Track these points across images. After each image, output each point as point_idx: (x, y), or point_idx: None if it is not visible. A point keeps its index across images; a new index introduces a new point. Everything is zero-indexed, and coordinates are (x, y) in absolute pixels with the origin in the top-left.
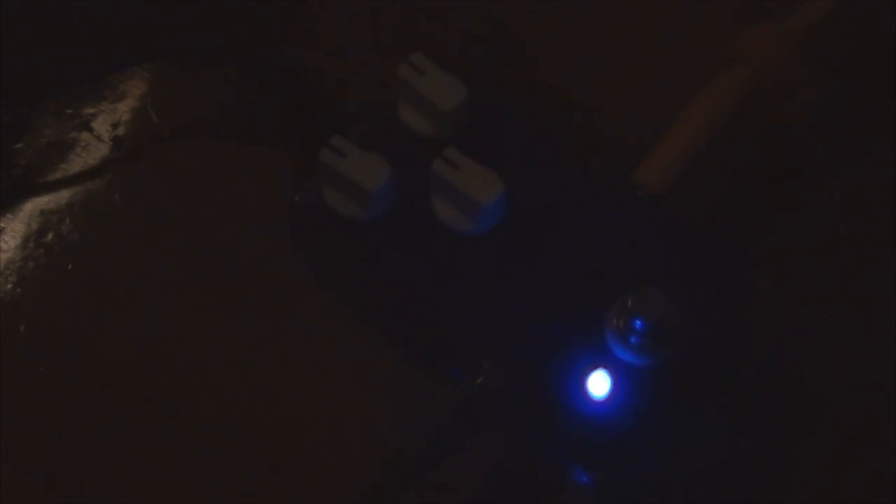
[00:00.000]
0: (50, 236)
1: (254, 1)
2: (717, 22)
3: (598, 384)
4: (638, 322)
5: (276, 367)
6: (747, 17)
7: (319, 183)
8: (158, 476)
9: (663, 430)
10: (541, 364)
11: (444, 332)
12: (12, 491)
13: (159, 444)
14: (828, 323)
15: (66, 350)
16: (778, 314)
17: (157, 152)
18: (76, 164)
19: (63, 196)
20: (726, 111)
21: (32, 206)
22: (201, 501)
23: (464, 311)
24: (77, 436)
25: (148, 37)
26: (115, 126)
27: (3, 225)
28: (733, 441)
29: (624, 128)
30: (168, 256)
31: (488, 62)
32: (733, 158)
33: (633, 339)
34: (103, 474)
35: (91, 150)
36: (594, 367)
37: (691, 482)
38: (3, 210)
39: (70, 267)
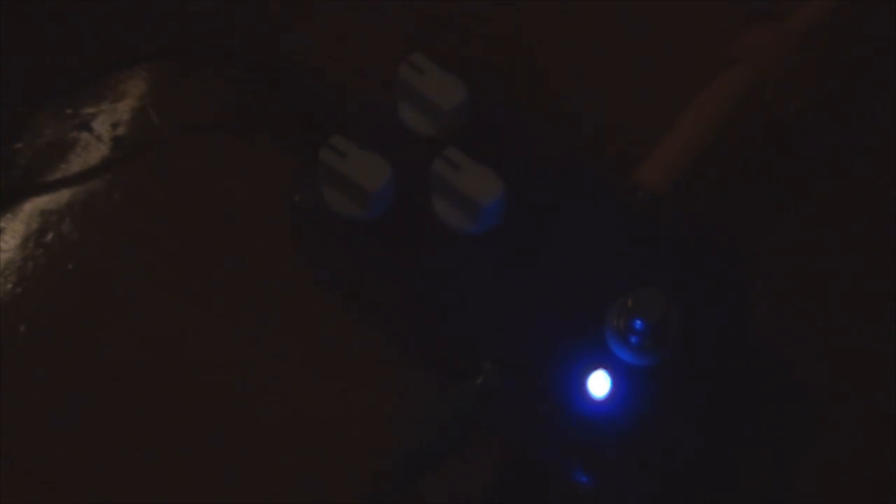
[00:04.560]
0: (50, 236)
1: (254, 1)
2: (717, 22)
3: (598, 384)
4: (638, 322)
5: (276, 367)
6: (747, 17)
7: (319, 183)
8: (158, 476)
9: (663, 429)
10: (541, 364)
11: (444, 332)
12: (12, 491)
13: (159, 444)
14: (828, 322)
15: (66, 350)
16: (778, 313)
17: (157, 152)
18: (76, 164)
19: (63, 196)
20: (726, 111)
21: (32, 206)
22: (201, 501)
23: (464, 311)
24: (77, 436)
25: (148, 37)
26: (115, 126)
27: (3, 225)
28: (734, 441)
29: (624, 127)
30: (168, 256)
31: (488, 63)
32: (733, 158)
33: (633, 339)
34: (103, 474)
35: (91, 150)
36: (594, 367)
37: (692, 482)
38: (3, 210)
39: (70, 267)
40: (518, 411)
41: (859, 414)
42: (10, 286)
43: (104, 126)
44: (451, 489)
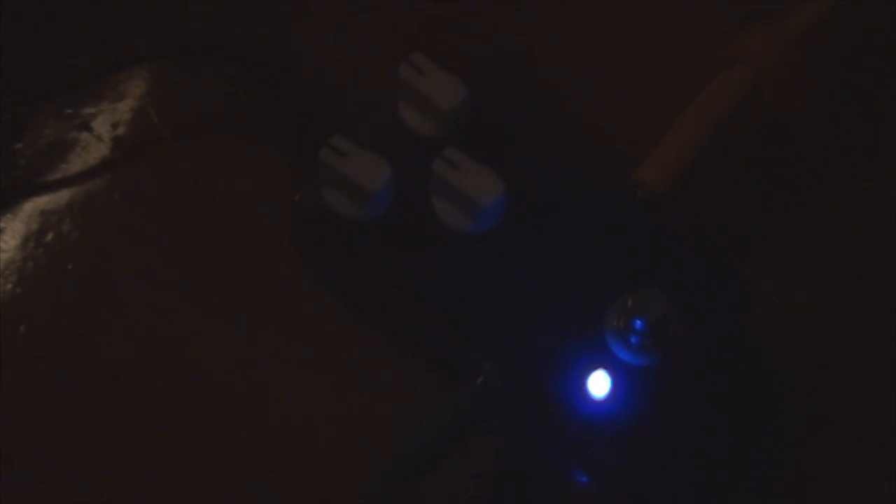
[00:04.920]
0: (50, 236)
1: (254, 1)
2: (717, 22)
3: (598, 384)
4: (638, 322)
5: (276, 366)
6: (747, 17)
7: (319, 183)
8: (158, 476)
9: (663, 429)
10: (541, 364)
11: (444, 332)
12: (12, 491)
13: (159, 444)
14: (828, 322)
15: (66, 350)
16: (778, 313)
17: (157, 152)
18: (76, 164)
19: (63, 196)
20: (726, 111)
21: (32, 206)
22: (201, 501)
23: (464, 312)
24: (77, 436)
25: (148, 37)
26: (115, 126)
27: (3, 225)
28: (733, 440)
29: (624, 128)
30: (168, 256)
31: (488, 62)
32: (733, 158)
33: (633, 339)
34: (103, 474)
35: (91, 150)
36: (594, 367)
37: (691, 482)
38: (3, 210)
39: (70, 267)
40: (518, 411)
41: (859, 414)
42: (10, 286)
43: (104, 126)
44: (451, 489)
